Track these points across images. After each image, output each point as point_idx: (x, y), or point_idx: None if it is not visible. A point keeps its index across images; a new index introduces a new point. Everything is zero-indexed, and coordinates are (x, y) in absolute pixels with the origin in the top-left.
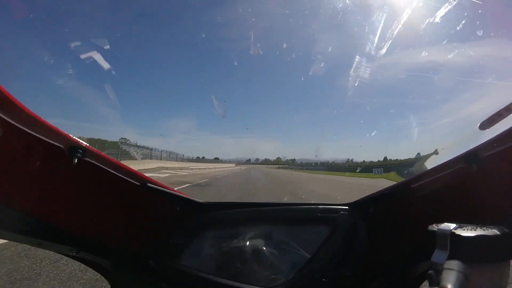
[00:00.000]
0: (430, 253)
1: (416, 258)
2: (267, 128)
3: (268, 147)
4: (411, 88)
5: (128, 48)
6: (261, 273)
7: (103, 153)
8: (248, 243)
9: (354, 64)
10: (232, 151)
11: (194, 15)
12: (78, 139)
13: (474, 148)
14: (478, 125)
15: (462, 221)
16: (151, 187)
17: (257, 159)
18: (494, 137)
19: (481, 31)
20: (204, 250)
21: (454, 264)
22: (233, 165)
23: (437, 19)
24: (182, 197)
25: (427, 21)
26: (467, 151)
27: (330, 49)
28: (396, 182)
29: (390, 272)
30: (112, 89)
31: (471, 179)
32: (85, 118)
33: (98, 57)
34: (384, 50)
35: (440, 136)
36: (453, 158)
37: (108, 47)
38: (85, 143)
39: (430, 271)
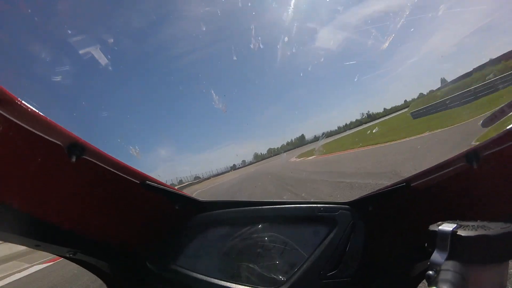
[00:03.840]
0: (430, 253)
1: (415, 258)
2: (247, 130)
3: (254, 146)
4: (367, 44)
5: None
6: (260, 274)
7: (102, 151)
8: (246, 243)
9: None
10: (217, 163)
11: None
12: (77, 136)
13: (475, 146)
14: (481, 122)
15: (462, 220)
16: (151, 185)
17: (244, 161)
18: (495, 135)
19: None
20: (202, 251)
21: (453, 265)
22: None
23: None
24: (182, 196)
25: None
26: (468, 150)
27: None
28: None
29: (388, 272)
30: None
31: (472, 178)
32: None
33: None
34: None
35: (410, 78)
36: (454, 156)
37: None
38: (84, 141)
39: (428, 272)
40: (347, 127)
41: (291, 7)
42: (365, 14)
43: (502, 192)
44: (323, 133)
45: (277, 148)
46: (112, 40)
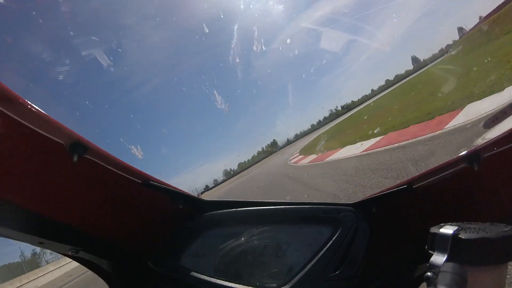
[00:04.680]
0: (430, 254)
1: (416, 259)
2: (214, 148)
3: (223, 164)
4: (321, 46)
5: None
6: (262, 274)
7: (104, 150)
8: (249, 243)
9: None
10: (193, 185)
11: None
12: (79, 135)
13: (476, 147)
14: (482, 123)
15: (464, 222)
16: (153, 185)
17: (216, 181)
18: (497, 136)
19: None
20: (204, 251)
21: (452, 267)
22: None
23: None
24: (184, 195)
25: None
26: (469, 151)
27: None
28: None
29: (390, 273)
30: None
31: (473, 179)
32: None
33: None
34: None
35: (366, 73)
36: (455, 157)
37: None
38: (87, 140)
39: (427, 273)
40: (321, 123)
41: (244, 14)
42: (314, 18)
43: (503, 194)
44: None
45: (248, 160)
46: (114, 42)
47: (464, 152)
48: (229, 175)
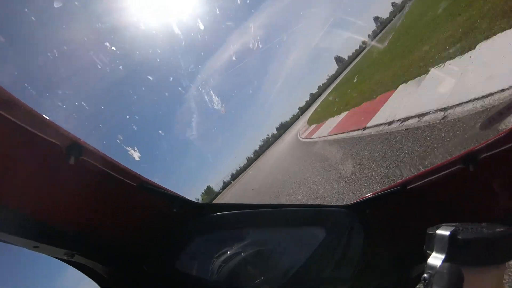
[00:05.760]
0: (427, 255)
1: (413, 260)
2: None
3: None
4: (238, 83)
5: None
6: (258, 277)
7: (100, 152)
8: (245, 246)
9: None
10: None
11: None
12: (76, 137)
13: (472, 148)
14: (479, 125)
15: (460, 223)
16: (148, 188)
17: None
18: (493, 137)
19: None
20: (200, 254)
21: (449, 267)
22: None
23: None
24: (180, 198)
25: None
26: (465, 152)
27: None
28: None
29: (386, 274)
30: None
31: (469, 180)
32: None
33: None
34: None
35: (301, 76)
36: (451, 158)
37: None
38: (83, 141)
39: (424, 274)
40: (258, 152)
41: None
42: (222, 61)
43: (499, 194)
44: None
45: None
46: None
47: (460, 153)
48: None
